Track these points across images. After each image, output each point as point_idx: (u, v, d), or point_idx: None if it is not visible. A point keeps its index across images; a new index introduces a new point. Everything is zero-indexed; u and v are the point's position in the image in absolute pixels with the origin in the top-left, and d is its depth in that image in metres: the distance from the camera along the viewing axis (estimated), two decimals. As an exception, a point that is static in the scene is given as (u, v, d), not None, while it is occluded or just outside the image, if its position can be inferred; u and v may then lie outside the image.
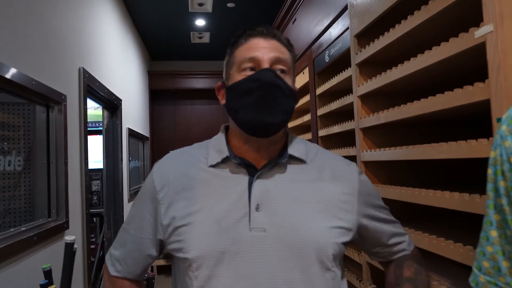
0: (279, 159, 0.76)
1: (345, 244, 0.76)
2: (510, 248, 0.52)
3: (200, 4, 3.49)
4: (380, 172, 1.27)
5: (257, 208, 0.71)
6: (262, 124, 0.72)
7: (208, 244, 0.69)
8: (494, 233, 0.55)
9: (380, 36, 1.12)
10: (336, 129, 1.68)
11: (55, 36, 1.67)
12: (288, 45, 0.80)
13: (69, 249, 1.27)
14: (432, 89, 1.02)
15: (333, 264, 0.72)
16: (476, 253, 0.58)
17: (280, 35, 0.79)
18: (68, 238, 1.28)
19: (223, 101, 0.80)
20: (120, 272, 0.81)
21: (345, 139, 1.76)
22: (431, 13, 0.88)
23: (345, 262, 1.73)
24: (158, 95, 5.20)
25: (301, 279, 0.69)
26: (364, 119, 1.27)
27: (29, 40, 1.41)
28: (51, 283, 1.15)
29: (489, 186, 0.56)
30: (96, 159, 3.30)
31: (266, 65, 0.74)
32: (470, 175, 1.27)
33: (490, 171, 0.56)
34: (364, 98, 1.29)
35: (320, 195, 0.75)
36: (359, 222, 0.79)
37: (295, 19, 2.48)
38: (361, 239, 0.83)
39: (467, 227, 1.02)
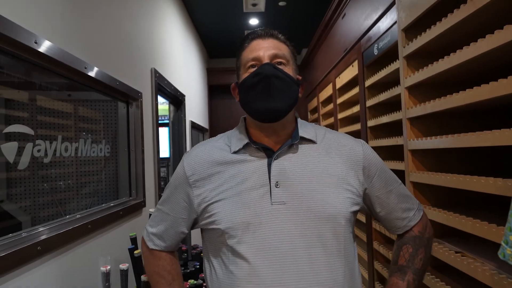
0: (292, 141, 0.83)
1: (355, 212, 0.82)
2: None
3: (254, 5, 3.57)
4: (427, 160, 1.27)
5: (276, 185, 0.79)
6: (269, 110, 0.80)
7: (236, 216, 0.77)
8: None
9: (427, 29, 1.12)
10: (384, 119, 1.68)
11: (130, 41, 1.86)
12: (286, 40, 0.88)
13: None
14: (481, 79, 1.00)
15: (345, 230, 0.79)
16: (504, 229, 0.60)
17: (277, 33, 0.87)
18: (152, 210, 1.43)
19: (237, 98, 0.88)
20: (158, 246, 0.91)
21: (393, 129, 1.75)
22: (477, 6, 0.87)
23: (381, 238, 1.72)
24: (216, 90, 5.41)
25: (318, 244, 0.76)
26: (411, 109, 1.27)
27: (111, 46, 1.60)
28: (136, 248, 1.31)
29: None
30: (163, 149, 3.56)
31: (266, 60, 0.82)
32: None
33: None
34: (411, 89, 1.29)
35: (330, 170, 0.82)
36: (365, 193, 0.85)
37: (344, 14, 2.46)
38: (368, 209, 0.89)
39: None
